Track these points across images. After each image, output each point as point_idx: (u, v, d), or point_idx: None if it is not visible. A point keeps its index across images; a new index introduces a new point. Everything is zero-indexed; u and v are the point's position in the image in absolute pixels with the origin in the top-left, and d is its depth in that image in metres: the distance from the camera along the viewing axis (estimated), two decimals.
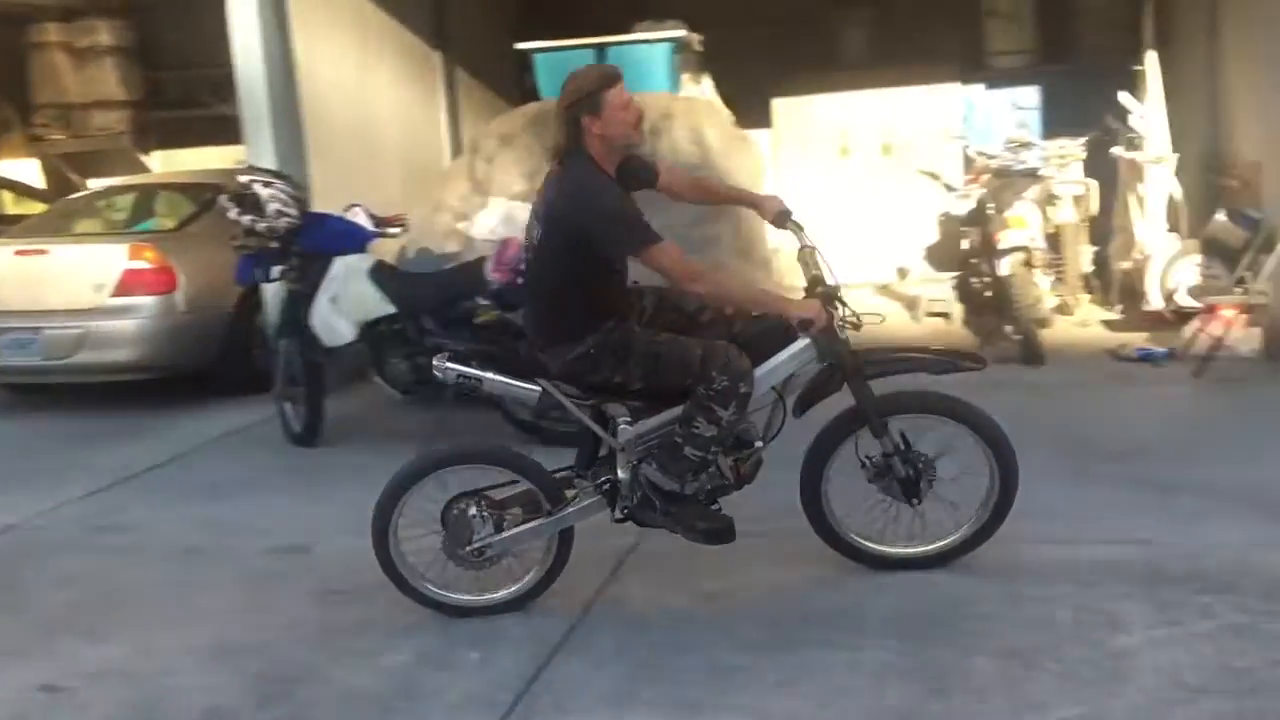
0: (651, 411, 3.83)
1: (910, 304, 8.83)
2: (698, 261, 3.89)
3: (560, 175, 3.72)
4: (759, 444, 3.89)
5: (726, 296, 3.94)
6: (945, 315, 8.50)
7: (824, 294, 3.79)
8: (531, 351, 3.89)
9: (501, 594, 3.99)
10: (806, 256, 3.95)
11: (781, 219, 4.07)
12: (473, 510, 3.85)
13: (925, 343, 6.69)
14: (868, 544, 4.10)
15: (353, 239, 6.30)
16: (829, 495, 4.05)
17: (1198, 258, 7.51)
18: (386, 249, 6.87)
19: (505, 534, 3.86)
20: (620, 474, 3.85)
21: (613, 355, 3.72)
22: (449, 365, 3.85)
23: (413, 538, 3.93)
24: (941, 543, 4.08)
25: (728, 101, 8.87)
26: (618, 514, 3.92)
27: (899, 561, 4.09)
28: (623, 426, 3.83)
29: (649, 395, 3.81)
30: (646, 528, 3.96)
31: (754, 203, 4.25)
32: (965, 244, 8.35)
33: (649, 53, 8.35)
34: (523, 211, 5.17)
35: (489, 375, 3.84)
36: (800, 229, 4.03)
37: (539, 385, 3.83)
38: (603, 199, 3.64)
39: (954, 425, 3.97)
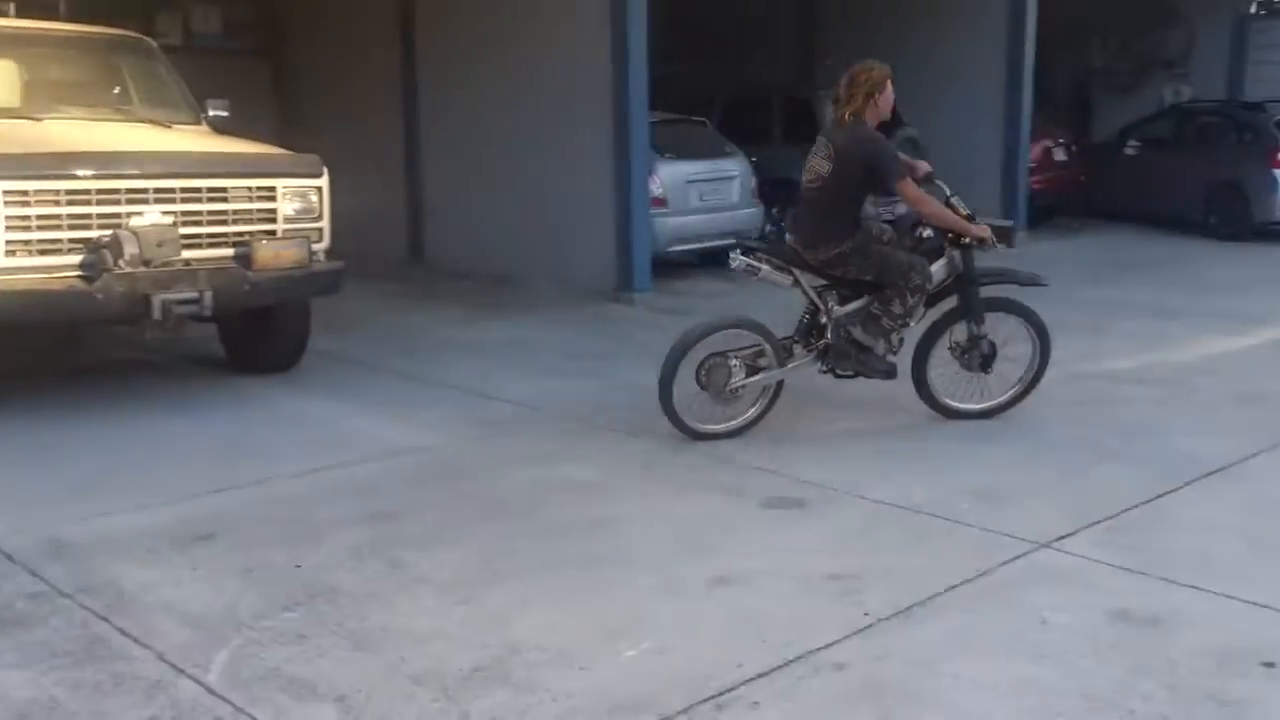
0: (853, 299, 5.79)
1: None
2: (925, 194, 5.77)
3: (850, 129, 5.61)
4: (911, 324, 5.86)
5: (936, 216, 5.77)
6: None
7: (979, 223, 5.77)
8: (796, 250, 5.75)
9: (726, 426, 5.82)
10: (954, 204, 5.81)
11: (929, 178, 5.94)
12: (732, 361, 5.65)
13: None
14: (950, 401, 6.15)
15: None
16: (930, 369, 6.03)
17: None
18: None
19: (751, 379, 5.74)
20: (830, 338, 5.76)
21: (858, 252, 5.65)
22: (740, 256, 5.77)
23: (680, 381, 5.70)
24: (993, 402, 6.17)
25: None
26: (823, 368, 5.92)
27: (968, 414, 6.16)
28: (835, 307, 5.77)
29: (859, 286, 5.74)
30: (840, 376, 5.98)
31: (911, 167, 5.89)
32: None
33: None
34: None
35: (763, 265, 5.73)
36: (942, 187, 5.92)
37: (792, 274, 5.74)
38: (887, 146, 5.70)
39: (1015, 319, 6.03)
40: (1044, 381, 6.28)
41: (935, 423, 6.21)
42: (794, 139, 12.56)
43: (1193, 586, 4.11)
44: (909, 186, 5.63)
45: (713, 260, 11.48)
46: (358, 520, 4.76)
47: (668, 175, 10.62)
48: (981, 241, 5.77)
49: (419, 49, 11.68)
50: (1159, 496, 5.05)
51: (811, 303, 5.85)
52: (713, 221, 10.95)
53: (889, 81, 5.69)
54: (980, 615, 3.91)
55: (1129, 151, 15.23)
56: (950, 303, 6.09)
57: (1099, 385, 7.03)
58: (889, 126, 12.40)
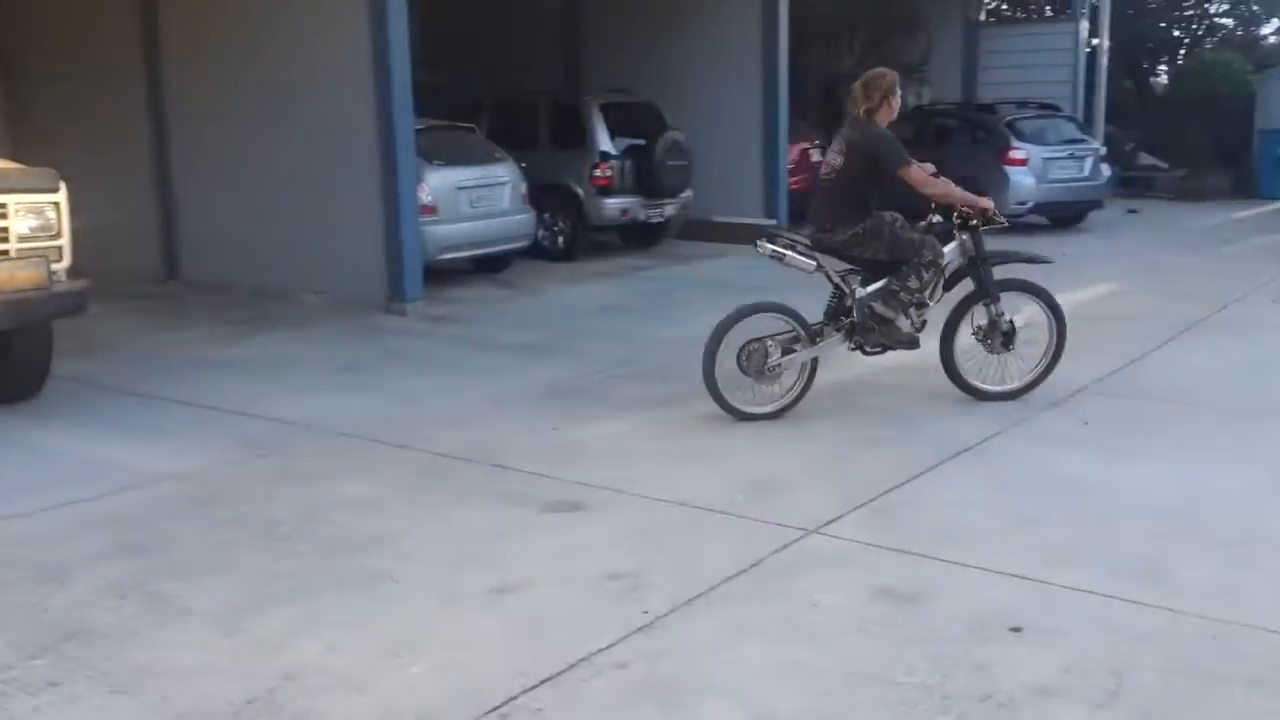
0: (874, 280, 6.26)
1: None
2: (929, 176, 6.27)
3: (862, 126, 6.22)
4: (930, 304, 6.36)
5: (943, 195, 6.30)
6: None
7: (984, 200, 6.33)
8: (816, 235, 6.33)
9: (767, 408, 6.28)
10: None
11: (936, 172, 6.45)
12: (769, 343, 6.16)
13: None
14: (976, 383, 6.54)
15: None
16: (957, 352, 6.46)
17: None
18: None
19: (787, 357, 6.19)
20: (855, 316, 6.25)
21: (871, 234, 6.21)
22: (766, 244, 6.34)
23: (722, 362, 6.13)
24: (1019, 383, 6.56)
25: None
26: (851, 345, 6.41)
27: (992, 395, 6.54)
28: (856, 289, 6.28)
29: (877, 267, 6.24)
30: (868, 354, 6.50)
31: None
32: None
33: None
34: None
35: (787, 252, 6.28)
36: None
37: (815, 259, 6.26)
38: (892, 139, 6.21)
39: (1031, 299, 6.50)
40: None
41: (711, 420, 6.37)
42: (563, 144, 12.68)
43: (948, 560, 4.37)
44: (911, 172, 6.17)
45: (487, 266, 11.44)
46: (111, 555, 4.48)
47: (437, 182, 10.48)
48: (985, 212, 6.25)
49: (164, 46, 11.07)
50: (916, 477, 5.34)
51: (836, 286, 6.36)
52: (484, 228, 10.89)
53: (898, 86, 6.35)
54: (755, 603, 4.03)
55: None
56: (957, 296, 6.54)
57: (859, 373, 7.36)
58: (656, 131, 12.75)
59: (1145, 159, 20.33)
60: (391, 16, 9.23)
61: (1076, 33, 17.99)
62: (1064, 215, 15.04)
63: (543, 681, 3.47)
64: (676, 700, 3.39)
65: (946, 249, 6.33)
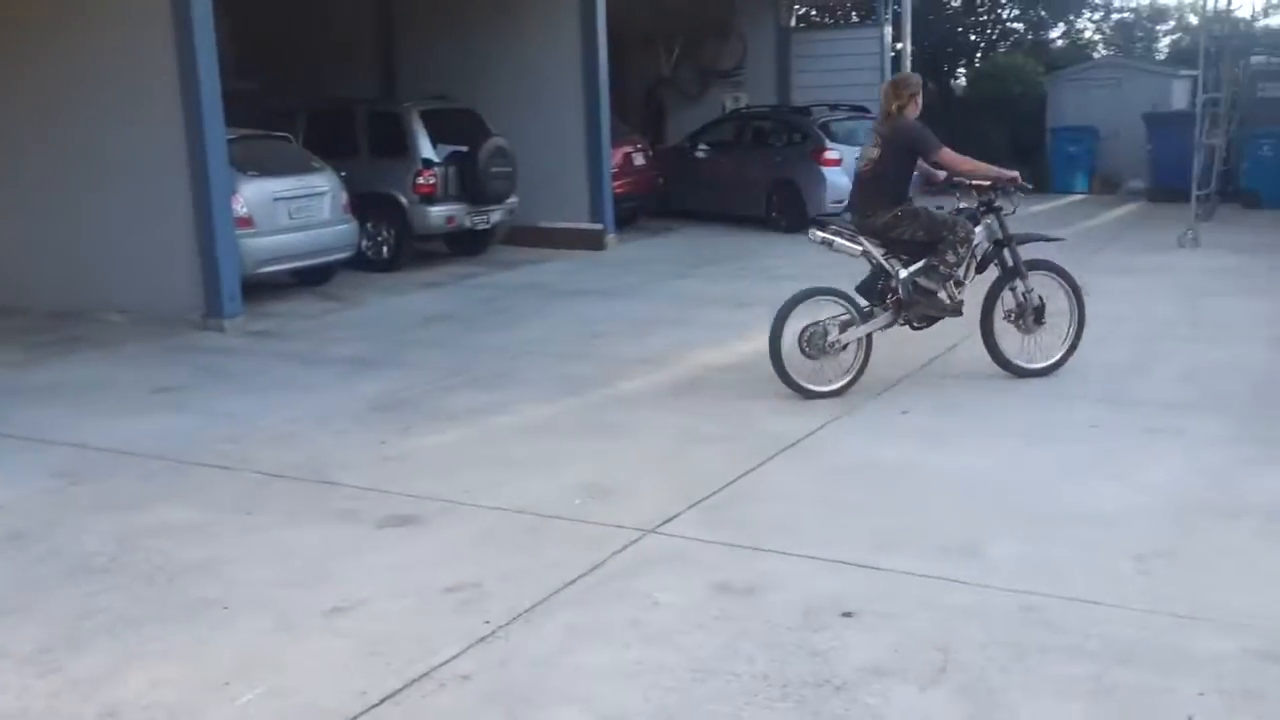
0: (913, 263, 6.84)
1: None
2: (960, 156, 6.90)
3: (895, 122, 6.86)
4: (965, 282, 6.96)
5: (975, 171, 6.92)
6: None
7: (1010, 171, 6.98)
8: (859, 221, 6.90)
9: (832, 387, 6.75)
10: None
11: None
12: (828, 324, 6.70)
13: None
14: (1019, 362, 7.05)
15: None
16: (998, 334, 7.02)
17: None
18: None
19: (845, 334, 6.72)
20: (900, 293, 6.82)
21: (909, 216, 6.82)
22: (816, 231, 6.92)
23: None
24: (1053, 359, 7.12)
25: None
26: (900, 321, 6.97)
27: (1034, 372, 7.05)
28: (899, 270, 6.83)
29: (915, 248, 6.84)
30: (915, 328, 7.06)
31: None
32: None
33: None
34: None
35: (835, 238, 6.85)
36: None
37: (860, 244, 6.82)
38: (925, 129, 6.84)
39: (1049, 275, 7.10)
40: (635, 374, 6.61)
41: (545, 426, 6.38)
42: (384, 152, 12.45)
43: (781, 552, 4.48)
44: (945, 154, 6.80)
45: (309, 279, 11.13)
46: None
47: (252, 194, 10.14)
48: (1013, 182, 6.87)
49: None
50: (748, 473, 5.46)
51: (879, 267, 6.86)
52: (305, 240, 10.59)
53: (922, 87, 7.07)
54: (596, 607, 4.05)
55: (699, 154, 16.36)
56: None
57: (691, 373, 7.49)
58: (478, 137, 12.65)
59: None
60: (198, 23, 8.89)
61: (881, 37, 18.68)
62: None
63: (384, 700, 3.41)
64: (522, 709, 3.38)
65: (975, 230, 6.93)
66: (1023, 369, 7.07)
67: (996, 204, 6.92)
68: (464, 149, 12.40)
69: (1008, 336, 7.06)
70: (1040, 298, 7.02)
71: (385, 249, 12.34)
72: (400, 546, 4.68)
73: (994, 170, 6.94)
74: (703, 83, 19.31)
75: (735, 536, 4.66)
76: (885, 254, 6.87)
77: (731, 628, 3.85)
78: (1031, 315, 7.03)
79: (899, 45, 18.99)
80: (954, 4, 25.15)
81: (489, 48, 14.22)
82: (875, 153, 6.88)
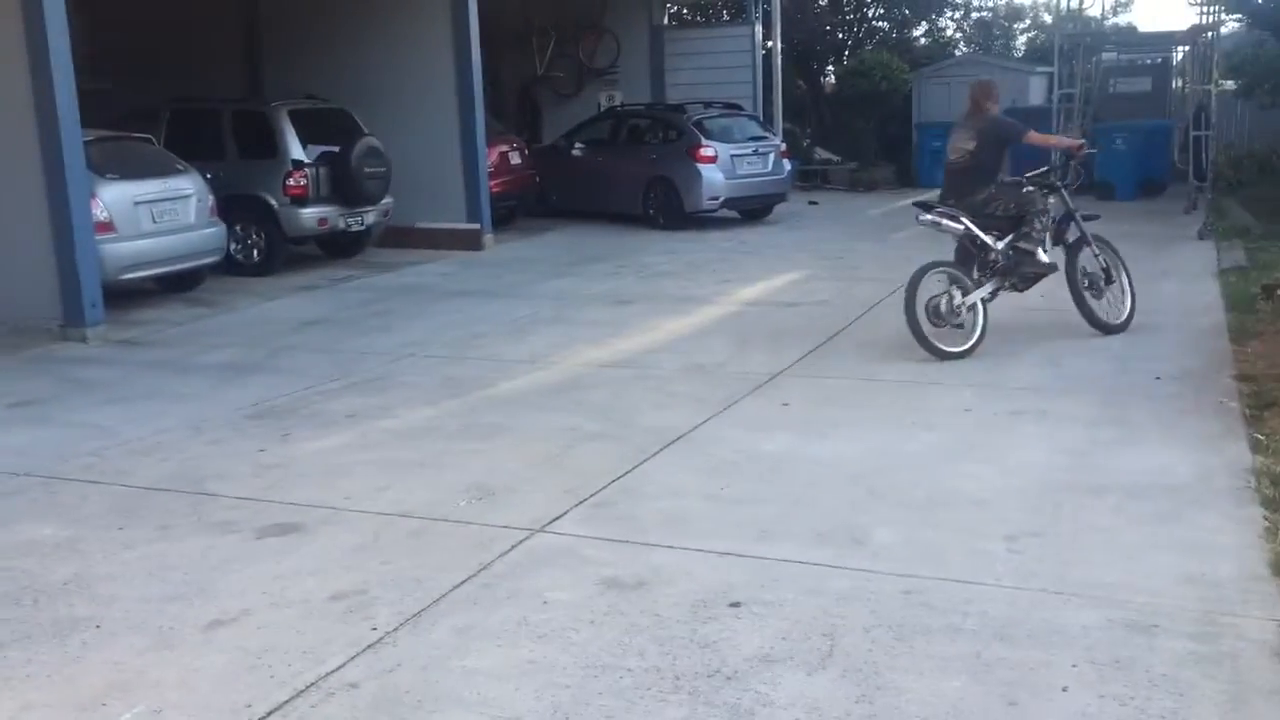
0: (1002, 237, 7.90)
1: None
2: (1042, 134, 8.81)
3: (983, 116, 8.08)
4: (1048, 248, 8.11)
5: (1055, 142, 9.31)
6: None
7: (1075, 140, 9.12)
8: (957, 202, 7.94)
9: (961, 348, 7.55)
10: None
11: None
12: (952, 290, 7.64)
13: None
14: (1107, 320, 8.16)
15: None
16: (1088, 296, 8.13)
17: None
18: None
19: (966, 298, 7.68)
20: (1001, 260, 7.86)
21: (1001, 193, 7.97)
22: (923, 214, 7.85)
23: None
24: (1123, 317, 8.25)
25: None
26: (1006, 286, 8.01)
27: (1115, 328, 8.16)
28: (995, 242, 7.85)
29: (1005, 222, 7.94)
30: (1017, 289, 8.07)
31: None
32: None
33: None
34: None
35: (942, 220, 7.82)
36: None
37: (963, 223, 7.77)
38: (1009, 120, 8.44)
39: (1104, 246, 8.31)
40: (517, 374, 6.56)
41: (429, 427, 6.29)
42: (253, 154, 12.14)
43: (668, 545, 4.52)
44: (1031, 135, 8.19)
45: (177, 285, 10.78)
46: None
47: (112, 198, 9.76)
48: (1081, 148, 8.47)
49: None
50: (633, 469, 5.49)
51: (978, 241, 7.82)
52: (170, 244, 10.25)
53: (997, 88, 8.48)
54: (485, 608, 4.02)
55: (576, 153, 16.35)
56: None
57: (572, 372, 7.49)
58: (350, 137, 12.42)
59: (821, 153, 21.71)
60: (50, 19, 8.53)
61: (752, 35, 18.95)
62: (753, 208, 15.84)
63: (270, 713, 3.33)
64: (413, 714, 3.34)
65: (1050, 201, 8.16)
66: (1111, 326, 8.14)
67: (1062, 181, 8.19)
68: (336, 149, 12.16)
69: (1096, 299, 8.15)
70: (1105, 259, 8.20)
71: (256, 252, 12.03)
72: (282, 556, 4.57)
73: (1065, 141, 9.11)
74: (578, 81, 19.31)
75: (623, 532, 4.68)
76: (981, 228, 7.87)
77: (622, 623, 3.87)
78: (1102, 278, 8.18)
79: (769, 43, 19.29)
80: (821, 3, 25.65)
81: (360, 46, 13.97)
82: (971, 144, 8.00)
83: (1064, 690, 3.38)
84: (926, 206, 7.99)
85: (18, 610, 4.09)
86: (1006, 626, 3.77)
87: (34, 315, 8.92)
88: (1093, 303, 8.19)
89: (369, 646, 3.73)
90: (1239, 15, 16.20)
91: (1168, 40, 18.71)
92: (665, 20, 20.09)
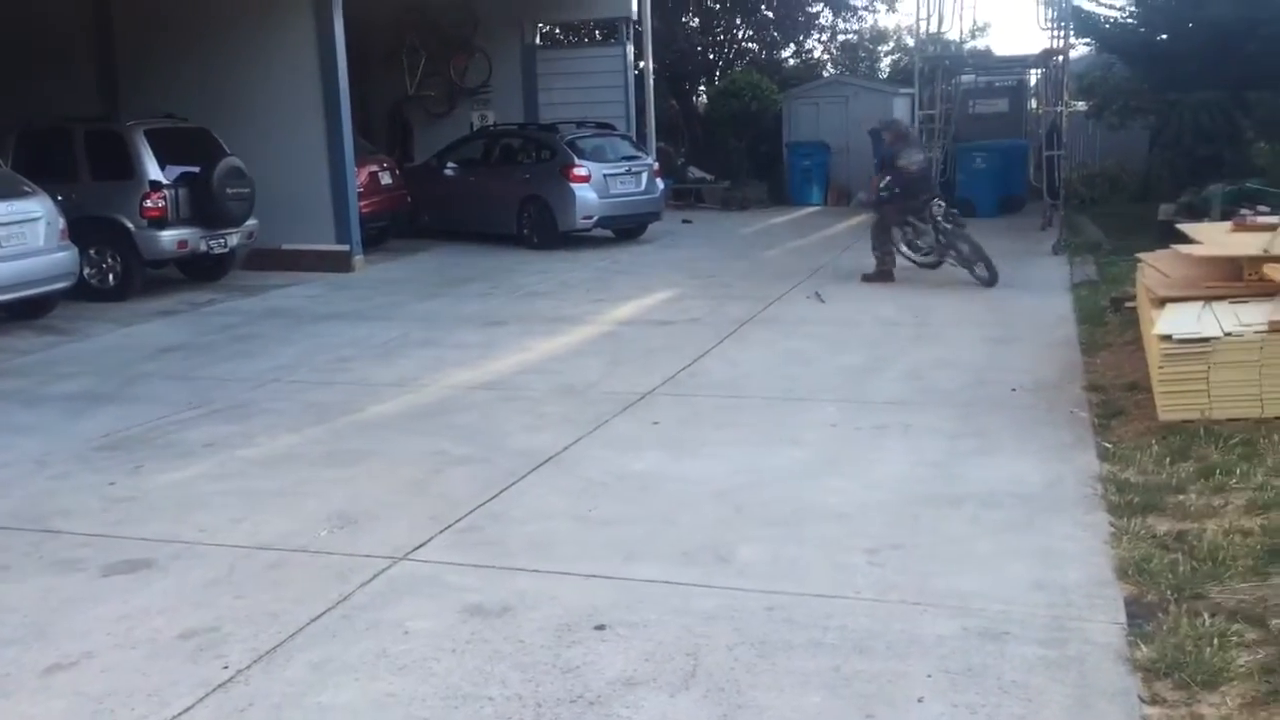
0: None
1: None
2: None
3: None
4: None
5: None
6: None
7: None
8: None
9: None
10: None
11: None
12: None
13: None
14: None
15: None
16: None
17: None
18: None
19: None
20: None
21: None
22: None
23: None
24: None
25: None
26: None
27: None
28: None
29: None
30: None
31: None
32: None
33: None
34: None
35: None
36: None
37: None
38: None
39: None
40: (385, 398, 6.41)
41: (288, 456, 6.12)
42: (107, 175, 11.71)
43: (534, 570, 4.47)
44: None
45: (24, 312, 10.31)
46: None
47: None
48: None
49: None
50: (501, 492, 5.43)
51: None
52: (16, 269, 9.76)
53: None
54: (344, 641, 3.91)
55: (448, 172, 16.20)
56: None
57: (442, 395, 7.38)
58: (212, 157, 12.07)
59: (694, 172, 21.95)
60: None
61: (624, 55, 19.07)
62: (627, 227, 15.91)
63: None
64: None
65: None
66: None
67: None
68: (196, 170, 11.82)
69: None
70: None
71: (112, 277, 11.60)
72: (129, 595, 4.38)
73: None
74: (450, 100, 19.16)
75: (488, 558, 4.62)
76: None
77: (485, 650, 3.80)
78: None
79: (641, 63, 19.44)
80: (692, 24, 25.97)
81: (221, 63, 13.62)
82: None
83: (919, 701, 3.44)
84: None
85: None
86: (865, 639, 3.82)
87: None
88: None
89: (219, 686, 3.60)
90: (1088, 39, 16.91)
91: (1022, 63, 19.46)
92: (537, 40, 20.10)
